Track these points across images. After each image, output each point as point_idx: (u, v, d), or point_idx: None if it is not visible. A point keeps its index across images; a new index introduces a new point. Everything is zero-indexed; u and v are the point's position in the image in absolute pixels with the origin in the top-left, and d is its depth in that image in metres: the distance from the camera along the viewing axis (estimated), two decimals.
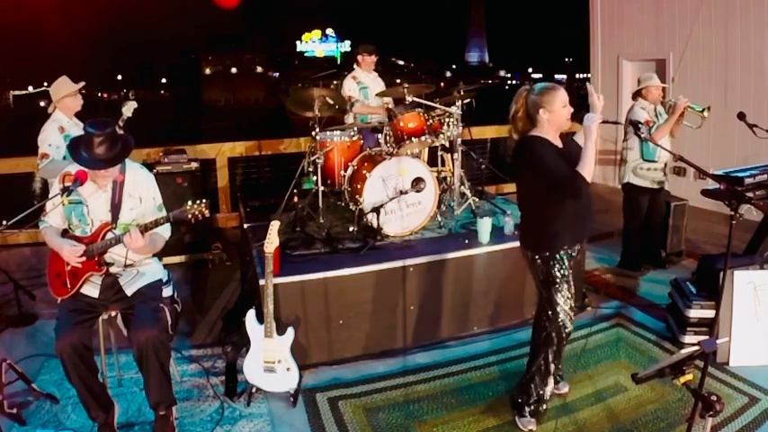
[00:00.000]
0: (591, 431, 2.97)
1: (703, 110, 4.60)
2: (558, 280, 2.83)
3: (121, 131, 3.61)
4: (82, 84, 4.00)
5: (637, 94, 4.87)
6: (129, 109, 4.29)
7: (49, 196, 2.89)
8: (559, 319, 2.85)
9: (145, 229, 2.75)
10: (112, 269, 2.92)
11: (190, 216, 2.75)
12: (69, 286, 2.84)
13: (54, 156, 3.81)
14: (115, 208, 2.86)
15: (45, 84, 4.13)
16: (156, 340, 2.74)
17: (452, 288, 3.95)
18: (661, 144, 4.31)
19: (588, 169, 2.69)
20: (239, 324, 3.45)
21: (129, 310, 2.91)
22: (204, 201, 2.77)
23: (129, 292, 2.92)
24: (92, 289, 2.89)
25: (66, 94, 3.92)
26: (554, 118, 2.75)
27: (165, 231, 2.96)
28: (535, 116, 2.77)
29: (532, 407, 3.00)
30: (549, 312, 2.86)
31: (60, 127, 3.89)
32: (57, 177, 3.86)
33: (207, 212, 2.76)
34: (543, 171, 2.70)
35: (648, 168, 4.81)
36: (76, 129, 3.92)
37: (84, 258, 2.77)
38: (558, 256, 2.82)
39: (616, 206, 5.30)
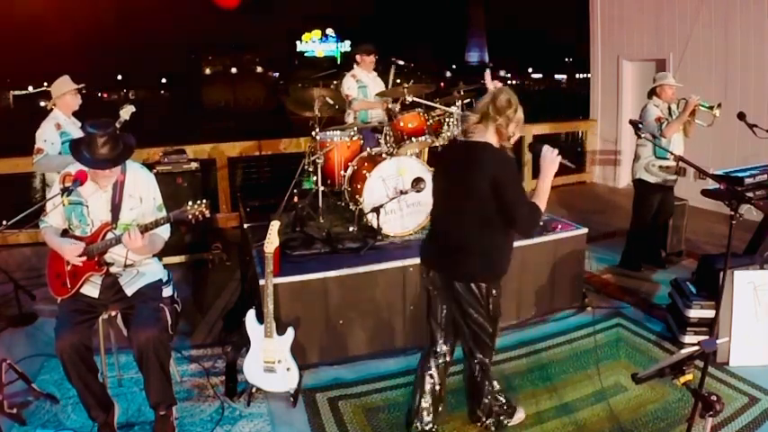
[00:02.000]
0: (591, 431, 2.97)
1: (712, 107, 4.61)
2: (500, 311, 2.67)
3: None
4: (82, 85, 4.13)
5: (651, 93, 4.89)
6: (126, 112, 4.37)
7: (50, 196, 2.88)
8: (494, 347, 2.75)
9: (145, 229, 2.74)
10: (112, 269, 2.92)
11: (190, 216, 2.74)
12: (69, 286, 2.84)
13: (48, 151, 3.92)
14: (115, 208, 2.86)
15: (45, 84, 4.20)
16: (156, 340, 2.74)
17: None
18: (673, 141, 4.34)
19: (544, 205, 2.54)
20: (239, 324, 3.45)
21: (129, 311, 2.91)
22: (204, 201, 2.76)
23: (129, 292, 2.92)
24: (92, 289, 2.89)
25: (65, 91, 4.04)
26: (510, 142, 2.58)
27: (164, 232, 2.95)
28: (502, 129, 2.51)
29: (510, 408, 2.98)
30: (490, 343, 2.70)
31: (57, 124, 4.00)
32: (51, 172, 4.04)
33: (207, 213, 2.76)
34: (511, 197, 2.42)
35: (660, 166, 4.82)
36: (73, 127, 4.04)
37: (84, 257, 2.77)
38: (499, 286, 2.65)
39: (615, 206, 5.32)
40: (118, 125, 4.17)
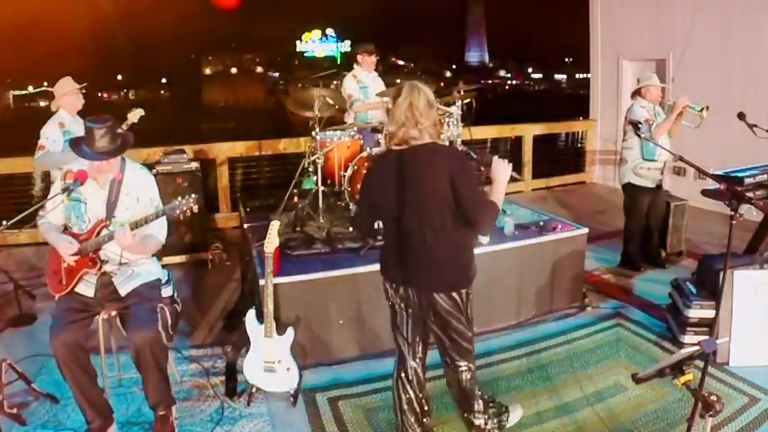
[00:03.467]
0: (591, 431, 2.97)
1: (702, 109, 4.60)
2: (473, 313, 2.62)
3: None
4: (84, 85, 4.26)
5: (636, 93, 4.88)
6: (135, 115, 4.51)
7: (51, 194, 2.90)
8: (474, 350, 2.70)
9: (135, 225, 2.75)
10: (107, 267, 2.92)
11: (178, 212, 2.75)
12: (65, 283, 2.85)
13: (49, 148, 4.05)
14: (111, 206, 2.86)
15: (45, 84, 4.32)
16: (152, 341, 2.74)
17: None
18: (661, 143, 4.34)
19: (500, 206, 2.51)
20: (239, 324, 3.45)
21: (125, 311, 2.91)
22: (193, 196, 2.78)
23: (122, 292, 2.92)
24: (87, 288, 2.89)
25: (66, 92, 4.17)
26: None
27: (160, 234, 2.94)
28: (431, 130, 2.46)
29: (497, 405, 2.97)
30: (471, 348, 2.65)
31: (60, 123, 4.13)
32: (50, 169, 4.19)
33: (195, 208, 2.77)
34: (468, 192, 2.36)
35: (649, 168, 4.82)
36: (77, 126, 4.12)
37: (78, 255, 2.78)
38: None
39: (616, 206, 5.32)
40: (125, 127, 4.29)
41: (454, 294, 2.51)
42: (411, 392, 2.70)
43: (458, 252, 2.52)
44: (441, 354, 2.70)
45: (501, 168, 2.54)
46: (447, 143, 4.80)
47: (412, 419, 2.71)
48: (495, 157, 2.57)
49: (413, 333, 2.67)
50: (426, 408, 2.76)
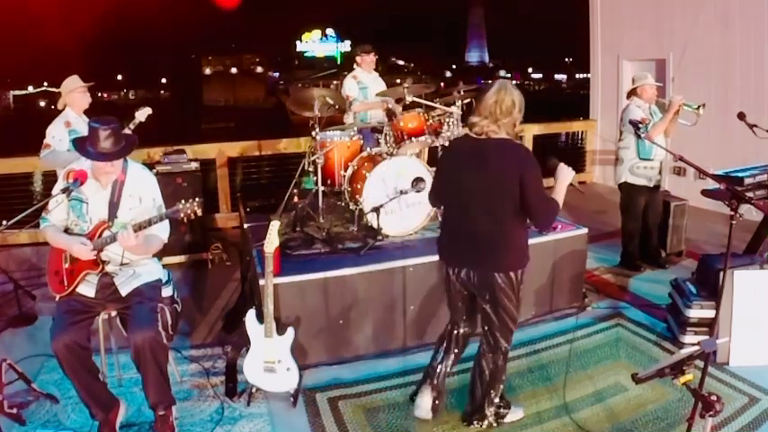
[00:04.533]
0: (591, 431, 2.97)
1: (698, 107, 4.61)
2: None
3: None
4: (91, 83, 4.29)
5: (632, 93, 4.89)
6: (143, 114, 4.50)
7: (52, 194, 2.89)
8: (515, 330, 2.90)
9: (138, 227, 2.75)
10: (108, 268, 2.92)
11: (182, 215, 2.75)
12: (66, 284, 2.84)
13: (56, 147, 4.07)
14: (113, 207, 2.86)
15: (45, 84, 4.31)
16: (152, 341, 2.74)
17: None
18: (658, 143, 4.35)
19: (561, 204, 2.74)
20: (239, 324, 3.45)
21: (125, 311, 2.91)
22: (198, 200, 2.77)
23: (123, 292, 2.92)
24: (88, 288, 2.89)
25: (73, 89, 4.17)
26: None
27: (162, 233, 2.95)
28: (510, 128, 2.70)
29: (505, 402, 3.04)
30: (514, 328, 2.87)
31: (67, 121, 4.13)
32: (55, 168, 4.14)
33: (199, 211, 2.78)
34: (537, 195, 2.59)
35: (645, 167, 4.82)
36: (83, 125, 4.12)
37: (96, 252, 2.78)
38: None
39: (616, 206, 5.32)
40: (132, 126, 4.28)
41: (511, 274, 2.71)
42: (455, 350, 3.03)
43: (515, 237, 2.72)
44: (484, 335, 2.91)
45: (565, 173, 2.80)
46: (447, 143, 4.82)
47: (449, 363, 3.03)
48: (561, 164, 2.81)
49: (466, 309, 2.97)
50: (443, 388, 3.03)
